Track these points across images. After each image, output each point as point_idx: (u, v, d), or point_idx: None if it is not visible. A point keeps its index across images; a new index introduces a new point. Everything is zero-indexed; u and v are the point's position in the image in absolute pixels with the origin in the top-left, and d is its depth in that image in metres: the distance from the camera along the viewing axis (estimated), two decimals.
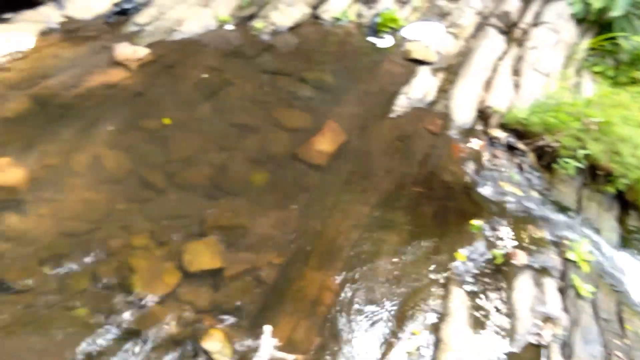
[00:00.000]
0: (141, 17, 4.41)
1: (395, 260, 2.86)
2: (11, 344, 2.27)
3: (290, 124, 3.75)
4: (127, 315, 2.44)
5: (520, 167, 3.67)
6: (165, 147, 3.44)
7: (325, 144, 3.55)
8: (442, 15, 5.00)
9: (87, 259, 2.67)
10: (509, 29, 4.84)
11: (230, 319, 2.53)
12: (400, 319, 2.67)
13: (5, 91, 3.58)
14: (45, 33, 4.10)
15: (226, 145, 3.52)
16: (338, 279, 2.75)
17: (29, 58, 3.89)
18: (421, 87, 4.10)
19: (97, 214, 2.95)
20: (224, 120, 3.73)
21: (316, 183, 3.33)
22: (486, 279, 2.93)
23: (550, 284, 2.95)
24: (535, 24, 4.82)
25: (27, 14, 4.18)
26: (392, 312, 2.68)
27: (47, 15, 4.20)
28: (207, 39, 4.45)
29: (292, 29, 4.73)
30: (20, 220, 2.82)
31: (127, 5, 4.44)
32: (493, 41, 4.63)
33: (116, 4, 4.43)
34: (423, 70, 4.29)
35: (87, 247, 2.74)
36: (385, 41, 4.67)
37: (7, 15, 4.16)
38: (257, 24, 4.62)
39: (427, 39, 4.61)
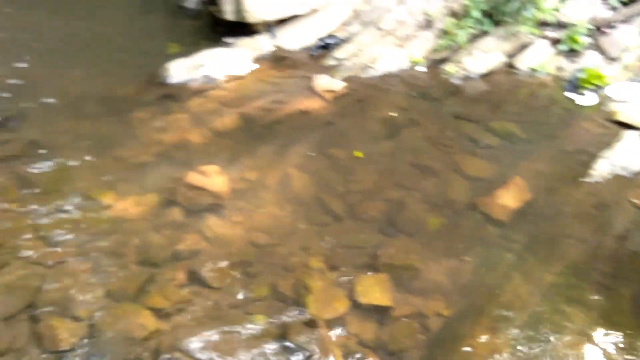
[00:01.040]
0: (341, 53, 4.72)
1: (581, 342, 2.59)
2: (199, 334, 2.53)
3: (471, 172, 3.67)
4: (298, 331, 2.58)
5: None
6: (347, 176, 3.61)
7: (508, 198, 3.40)
8: None
9: (269, 270, 2.89)
10: None
11: None
12: None
13: (220, 107, 4.09)
14: (257, 59, 4.61)
15: (404, 184, 3.57)
16: (513, 348, 2.58)
17: (242, 80, 4.40)
18: (627, 154, 3.72)
19: (281, 230, 3.18)
20: (405, 158, 3.78)
21: (495, 238, 3.20)
22: None
23: None
24: None
25: (245, 41, 4.74)
26: None
27: (261, 44, 4.72)
28: (399, 78, 4.60)
29: (484, 75, 4.66)
30: (218, 223, 3.16)
31: (330, 41, 4.80)
32: None
33: (320, 39, 4.82)
34: (630, 135, 3.89)
35: (270, 258, 2.97)
36: (586, 98, 4.35)
37: (229, 40, 4.77)
38: (449, 67, 4.65)
39: (637, 102, 4.19)
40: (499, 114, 4.29)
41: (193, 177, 3.33)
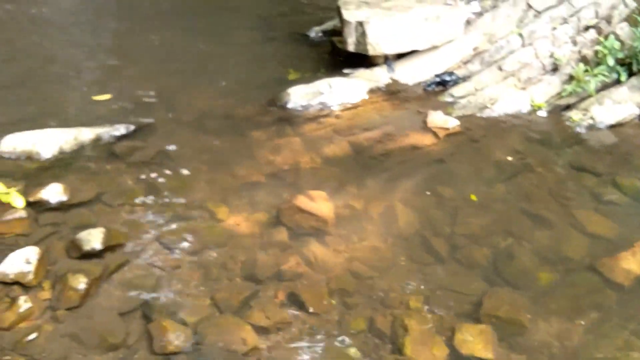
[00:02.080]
0: (458, 90, 4.66)
1: None
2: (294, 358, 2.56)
3: (591, 229, 3.40)
4: None
5: None
6: (454, 217, 3.50)
7: (634, 263, 3.10)
8: None
9: (368, 303, 2.87)
10: None
11: None
12: None
13: (332, 135, 4.19)
14: (373, 91, 4.67)
15: (515, 232, 3.39)
16: None
17: (356, 110, 4.48)
18: None
19: (382, 263, 3.15)
20: (518, 206, 3.61)
21: (613, 304, 2.93)
22: None
23: None
24: None
25: (362, 72, 4.83)
26: None
27: (378, 76, 4.79)
28: (517, 121, 4.43)
29: (612, 126, 4.36)
30: (320, 249, 3.20)
31: (447, 78, 4.75)
32: None
33: (437, 75, 4.79)
34: None
35: (369, 291, 2.94)
36: None
37: (346, 71, 4.89)
38: (574, 115, 4.40)
39: None
40: (628, 169, 3.97)
41: (301, 201, 3.41)
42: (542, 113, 4.49)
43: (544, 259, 3.20)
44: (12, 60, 4.99)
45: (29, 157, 3.55)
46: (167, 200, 3.43)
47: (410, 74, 4.82)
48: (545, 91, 4.60)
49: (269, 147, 4.02)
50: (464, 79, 4.77)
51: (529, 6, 5.06)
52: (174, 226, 3.23)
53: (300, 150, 4.01)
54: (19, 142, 3.55)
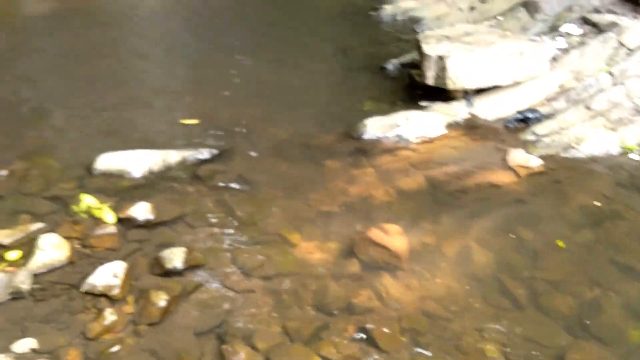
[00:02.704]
0: (541, 128, 4.50)
1: None
2: None
3: None
4: None
5: None
6: (534, 261, 3.35)
7: None
8: None
9: (440, 345, 2.78)
10: None
11: None
12: None
13: (408, 168, 4.15)
14: (450, 125, 4.61)
15: (602, 282, 3.18)
16: None
17: (433, 144, 4.43)
18: None
19: (456, 304, 3.05)
20: (606, 254, 3.39)
21: None
22: None
23: None
24: None
25: (441, 106, 4.79)
26: None
27: (456, 110, 4.73)
28: (605, 163, 4.20)
29: None
30: (393, 284, 3.15)
31: (530, 115, 4.61)
32: None
33: (520, 112, 4.66)
34: None
35: (442, 332, 2.85)
36: None
37: (424, 104, 4.87)
38: None
39: None
40: None
41: (375, 233, 3.39)
42: (634, 156, 4.23)
43: (636, 314, 2.98)
44: (107, 83, 5.39)
45: (121, 175, 3.78)
46: (243, 224, 3.53)
47: (490, 109, 4.72)
48: (637, 133, 4.35)
49: (344, 177, 4.05)
50: (548, 116, 4.60)
51: (621, 44, 4.85)
52: (248, 250, 3.31)
53: (375, 182, 4.01)
54: (113, 162, 3.81)
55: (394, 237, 3.41)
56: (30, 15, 7.11)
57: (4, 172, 3.72)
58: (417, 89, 5.11)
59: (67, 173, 3.83)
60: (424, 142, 4.43)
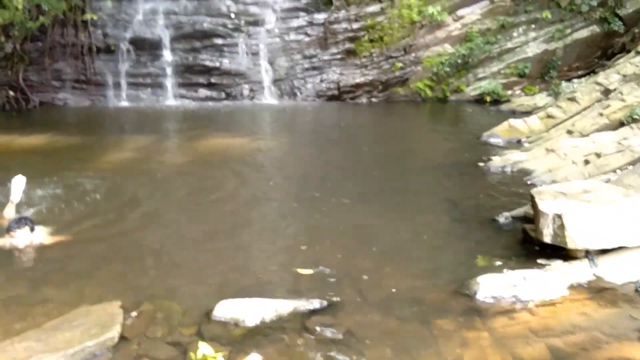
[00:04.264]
0: None
1: None
2: None
3: None
4: None
5: None
6: None
7: None
8: None
9: None
10: None
11: None
12: None
13: (527, 333, 3.86)
14: (573, 287, 4.31)
15: None
16: None
17: (554, 307, 4.13)
18: None
19: None
20: None
21: None
22: None
23: None
24: None
25: (560, 265, 4.54)
26: None
27: (578, 271, 4.44)
28: None
29: None
30: None
31: None
32: None
33: None
34: None
35: None
36: None
37: (541, 262, 4.65)
38: None
39: None
40: None
41: None
42: None
43: None
44: (230, 226, 5.89)
45: (236, 323, 3.93)
46: None
47: (618, 271, 4.38)
48: None
49: (456, 339, 3.85)
50: None
51: None
52: None
53: (490, 347, 3.75)
54: (230, 309, 4.00)
55: None
56: (171, 170, 8.23)
57: (135, 314, 4.05)
58: (532, 244, 4.94)
59: (188, 318, 4.07)
60: (544, 305, 4.15)
